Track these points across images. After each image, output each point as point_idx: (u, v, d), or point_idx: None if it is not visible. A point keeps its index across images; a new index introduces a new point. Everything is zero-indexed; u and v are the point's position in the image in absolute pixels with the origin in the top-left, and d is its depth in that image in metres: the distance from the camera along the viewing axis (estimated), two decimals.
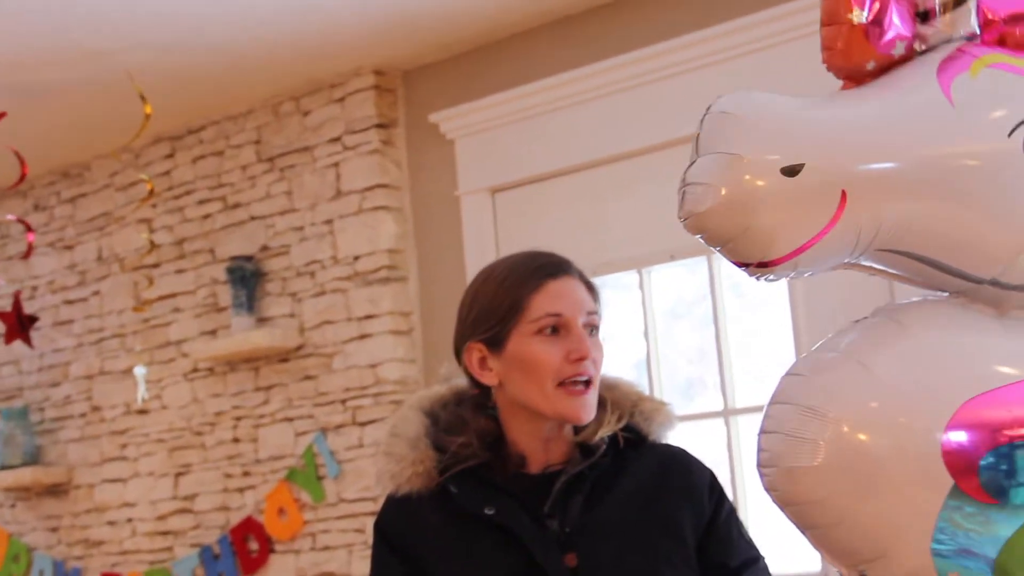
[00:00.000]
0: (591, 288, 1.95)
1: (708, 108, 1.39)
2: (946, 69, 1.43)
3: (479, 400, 1.97)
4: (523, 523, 1.84)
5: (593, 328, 1.91)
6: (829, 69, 1.46)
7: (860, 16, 1.41)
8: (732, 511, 1.97)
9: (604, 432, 1.92)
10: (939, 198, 1.38)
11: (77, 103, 4.74)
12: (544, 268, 1.92)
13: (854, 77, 1.45)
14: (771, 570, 1.99)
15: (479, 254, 4.26)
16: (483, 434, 1.92)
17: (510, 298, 1.89)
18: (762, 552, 1.98)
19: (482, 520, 1.86)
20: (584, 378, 1.87)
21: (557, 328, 1.88)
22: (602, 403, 1.94)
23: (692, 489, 1.93)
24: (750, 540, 1.96)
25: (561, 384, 1.86)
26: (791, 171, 1.31)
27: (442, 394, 1.99)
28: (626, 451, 1.94)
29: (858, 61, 1.44)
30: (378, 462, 1.93)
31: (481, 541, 1.85)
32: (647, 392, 2.04)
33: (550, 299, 1.88)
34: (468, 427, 1.92)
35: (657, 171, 4.07)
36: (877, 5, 1.41)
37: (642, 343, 4.13)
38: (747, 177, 1.32)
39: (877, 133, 1.38)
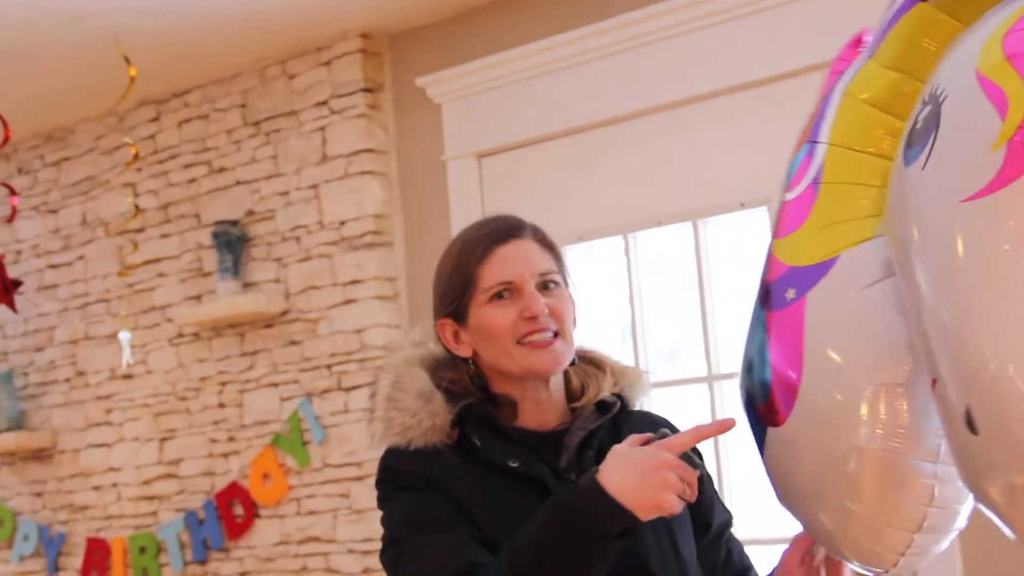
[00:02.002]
0: (547, 245, 1.98)
1: None
2: None
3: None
4: (547, 476, 1.88)
5: (551, 283, 1.94)
6: None
7: None
8: (710, 475, 2.03)
9: (605, 393, 1.98)
10: None
11: (62, 66, 4.71)
12: (490, 236, 1.96)
13: None
14: (754, 535, 2.04)
15: (465, 219, 4.21)
16: (472, 375, 1.96)
17: (462, 272, 1.94)
18: (731, 512, 2.10)
19: (504, 471, 1.88)
20: (544, 334, 1.90)
21: (510, 292, 1.92)
22: (601, 366, 2.01)
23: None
24: (722, 501, 2.07)
25: (519, 342, 1.90)
26: None
27: (423, 355, 2.00)
28: (617, 415, 1.99)
29: None
30: (383, 416, 1.92)
31: (507, 490, 1.87)
32: (623, 362, 2.08)
33: (498, 267, 1.92)
34: (460, 367, 1.97)
35: (644, 136, 4.07)
36: None
37: (627, 308, 4.13)
38: None
39: None
